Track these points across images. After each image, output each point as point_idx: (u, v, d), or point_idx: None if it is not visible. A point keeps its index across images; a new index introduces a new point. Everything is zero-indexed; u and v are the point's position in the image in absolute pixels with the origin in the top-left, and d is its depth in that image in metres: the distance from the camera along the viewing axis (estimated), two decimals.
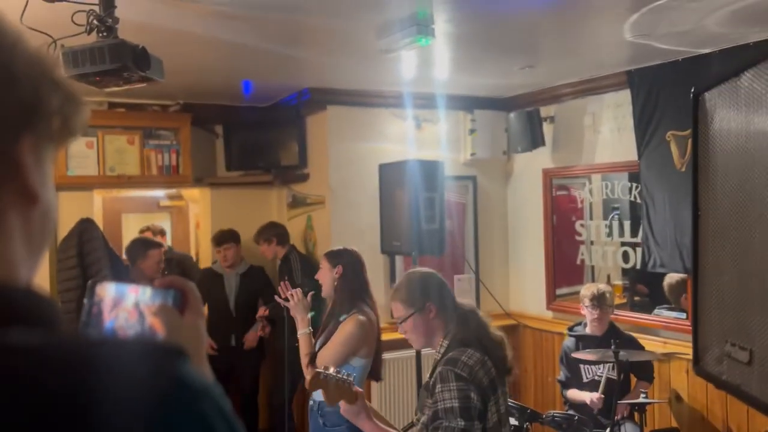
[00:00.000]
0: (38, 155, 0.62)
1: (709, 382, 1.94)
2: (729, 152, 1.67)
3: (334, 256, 3.06)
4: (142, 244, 4.42)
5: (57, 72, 0.63)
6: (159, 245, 4.56)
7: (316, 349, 2.96)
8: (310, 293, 3.05)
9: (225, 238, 4.72)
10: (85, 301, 0.77)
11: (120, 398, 0.50)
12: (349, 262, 3.02)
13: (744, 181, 1.56)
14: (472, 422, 1.85)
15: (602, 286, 3.97)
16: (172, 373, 0.54)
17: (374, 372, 3.06)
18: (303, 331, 2.97)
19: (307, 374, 2.91)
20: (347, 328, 2.91)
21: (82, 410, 0.49)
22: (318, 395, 3.00)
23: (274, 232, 4.71)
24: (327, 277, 3.03)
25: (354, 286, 2.99)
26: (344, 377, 2.21)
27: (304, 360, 2.94)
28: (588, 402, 3.68)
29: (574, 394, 3.86)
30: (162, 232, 5.66)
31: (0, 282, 0.57)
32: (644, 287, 4.71)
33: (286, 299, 2.99)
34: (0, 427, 0.47)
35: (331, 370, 2.23)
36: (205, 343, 0.77)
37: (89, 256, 4.29)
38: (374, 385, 4.35)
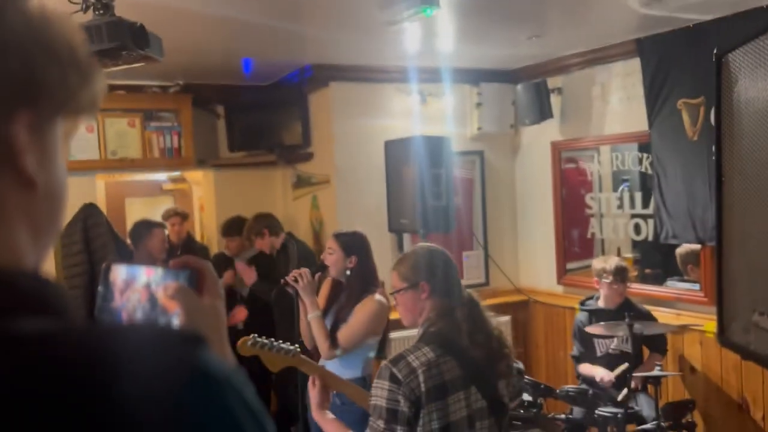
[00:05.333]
0: (39, 134, 0.56)
1: (734, 353, 1.89)
2: (755, 115, 1.60)
3: (348, 245, 3.00)
4: (146, 225, 4.40)
5: (60, 39, 0.57)
6: (162, 225, 4.53)
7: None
8: (318, 274, 3.03)
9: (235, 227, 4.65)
10: (100, 287, 0.74)
11: (137, 391, 0.46)
12: (362, 251, 3.02)
13: None
14: (394, 425, 1.83)
15: (616, 260, 3.92)
16: (193, 363, 0.50)
17: (380, 350, 3.07)
18: (314, 314, 2.93)
19: (329, 357, 2.90)
20: (367, 308, 2.91)
21: (97, 404, 0.45)
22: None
23: (264, 224, 4.48)
24: (339, 263, 3.00)
25: (366, 273, 3.01)
26: (287, 347, 2.35)
27: (323, 343, 2.90)
28: (598, 380, 3.66)
29: (586, 369, 3.84)
30: (184, 216, 5.43)
31: (5, 268, 0.52)
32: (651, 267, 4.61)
33: (295, 280, 2.95)
34: (13, 420, 0.43)
35: (264, 339, 2.38)
36: (225, 326, 0.73)
37: (95, 241, 4.27)
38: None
